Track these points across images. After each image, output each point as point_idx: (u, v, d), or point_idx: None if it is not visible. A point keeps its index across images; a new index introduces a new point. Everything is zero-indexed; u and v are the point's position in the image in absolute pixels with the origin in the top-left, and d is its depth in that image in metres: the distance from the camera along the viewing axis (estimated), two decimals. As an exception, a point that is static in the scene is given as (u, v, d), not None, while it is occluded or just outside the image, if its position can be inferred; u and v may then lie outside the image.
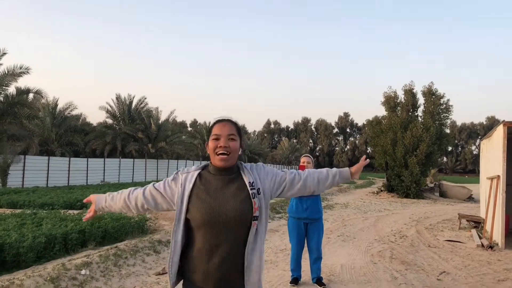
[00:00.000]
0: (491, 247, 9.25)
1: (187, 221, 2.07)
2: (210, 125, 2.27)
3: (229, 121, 2.18)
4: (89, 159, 32.71)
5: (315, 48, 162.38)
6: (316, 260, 5.82)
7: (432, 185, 26.91)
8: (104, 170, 33.20)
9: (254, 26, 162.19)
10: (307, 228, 5.80)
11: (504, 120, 9.57)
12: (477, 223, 12.32)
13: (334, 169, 2.33)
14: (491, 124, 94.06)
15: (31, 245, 6.32)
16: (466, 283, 6.42)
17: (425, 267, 7.36)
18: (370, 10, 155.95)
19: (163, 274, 6.22)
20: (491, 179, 10.96)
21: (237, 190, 2.07)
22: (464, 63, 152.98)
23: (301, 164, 5.80)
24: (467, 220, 12.71)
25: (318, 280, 5.78)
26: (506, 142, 9.58)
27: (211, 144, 2.13)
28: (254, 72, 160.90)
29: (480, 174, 14.07)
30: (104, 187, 23.42)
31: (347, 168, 2.31)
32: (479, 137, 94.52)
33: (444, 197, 24.96)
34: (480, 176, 14.16)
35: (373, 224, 12.61)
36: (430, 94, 25.92)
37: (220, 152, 2.08)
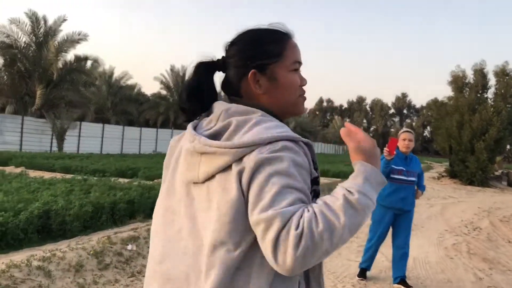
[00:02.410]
0: None
1: None
2: (271, 39, 1.23)
3: None
4: (142, 128, 33.09)
5: (372, 24, 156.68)
6: (402, 256, 4.92)
7: (498, 173, 24.98)
8: (156, 140, 33.53)
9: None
10: (395, 219, 4.95)
11: None
12: (561, 219, 11.00)
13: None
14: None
15: (77, 214, 5.92)
16: None
17: (512, 267, 6.39)
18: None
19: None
20: None
21: None
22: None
23: (400, 139, 4.87)
24: (548, 215, 11.39)
25: (402, 280, 4.89)
26: None
27: (294, 77, 1.23)
28: (308, 46, 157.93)
29: None
30: (156, 157, 23.45)
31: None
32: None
33: (512, 187, 23.13)
34: None
35: (440, 212, 11.55)
36: (504, 74, 23.81)
37: (303, 93, 1.27)
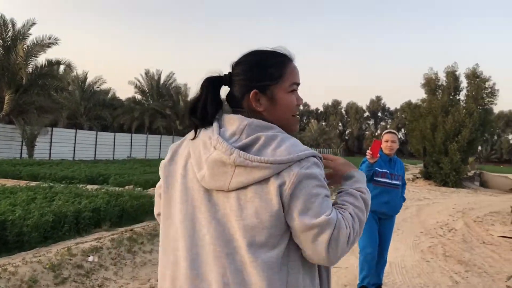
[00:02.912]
0: (556, 247, 8.07)
1: None
2: (273, 62, 1.36)
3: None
4: (116, 133, 32.42)
5: (346, 28, 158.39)
6: (381, 264, 4.72)
7: (471, 174, 25.32)
8: (131, 145, 32.92)
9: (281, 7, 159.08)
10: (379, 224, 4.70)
11: None
12: (533, 218, 11.08)
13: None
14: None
15: (36, 224, 5.55)
16: (542, 293, 5.37)
17: (487, 269, 6.30)
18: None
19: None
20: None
21: None
22: (505, 48, 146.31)
23: (383, 140, 4.63)
24: (521, 214, 11.46)
25: (378, 287, 4.70)
26: None
27: (291, 98, 1.37)
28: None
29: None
30: (130, 163, 22.94)
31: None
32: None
33: (484, 187, 23.42)
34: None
35: (415, 214, 11.51)
36: (475, 77, 24.17)
37: (297, 112, 1.42)
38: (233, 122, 1.28)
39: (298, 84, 1.37)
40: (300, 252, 1.23)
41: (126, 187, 10.96)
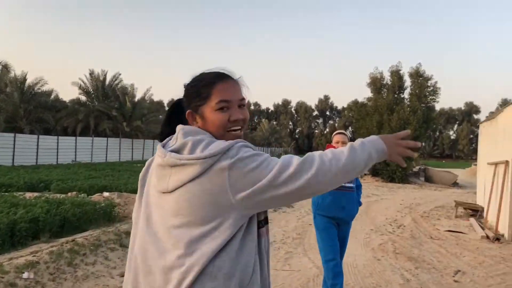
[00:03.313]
0: (497, 239, 8.39)
1: None
2: (203, 83, 1.47)
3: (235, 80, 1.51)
4: (59, 137, 30.98)
5: (295, 29, 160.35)
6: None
7: (416, 169, 26.23)
8: (75, 149, 31.58)
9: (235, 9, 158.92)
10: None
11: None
12: (475, 211, 11.54)
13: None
14: (469, 109, 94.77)
15: (-36, 239, 5.08)
16: (488, 286, 5.51)
17: (436, 264, 6.42)
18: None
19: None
20: (495, 164, 10.10)
21: None
22: (445, 48, 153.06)
23: (334, 142, 4.45)
24: (464, 208, 11.91)
25: None
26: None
27: (217, 116, 1.43)
28: (235, 53, 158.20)
29: (478, 159, 13.29)
30: (75, 167, 21.99)
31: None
32: (457, 122, 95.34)
33: (429, 182, 24.32)
34: (478, 161, 13.39)
35: (364, 211, 11.67)
36: (418, 76, 25.07)
37: (235, 127, 1.45)
38: (176, 132, 1.44)
39: (227, 101, 1.41)
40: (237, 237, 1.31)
41: (69, 194, 10.40)
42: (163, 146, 1.42)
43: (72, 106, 38.98)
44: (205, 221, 1.26)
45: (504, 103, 71.82)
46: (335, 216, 4.29)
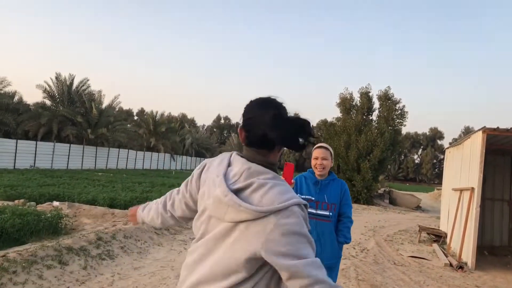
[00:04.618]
0: (461, 267, 8.20)
1: None
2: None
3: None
4: (18, 140, 29.66)
5: (266, 46, 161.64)
6: None
7: (381, 191, 26.32)
8: (35, 153, 30.31)
9: (202, 14, 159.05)
10: None
11: (484, 126, 8.55)
12: (438, 237, 11.42)
13: None
14: (434, 135, 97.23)
15: None
16: (452, 319, 5.23)
17: (399, 293, 6.12)
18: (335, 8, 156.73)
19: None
20: (460, 190, 10.01)
21: None
22: (411, 73, 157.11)
23: (312, 158, 3.64)
24: (427, 233, 11.78)
25: None
26: (484, 151, 8.59)
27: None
28: (207, 67, 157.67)
29: (443, 184, 13.23)
30: (31, 173, 20.97)
31: None
32: (421, 146, 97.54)
33: (393, 204, 24.39)
34: (443, 186, 13.33)
35: (328, 232, 11.38)
36: (386, 98, 25.28)
37: None
38: (238, 164, 1.59)
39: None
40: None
41: (16, 201, 9.69)
42: (224, 175, 1.55)
43: (36, 109, 37.55)
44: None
45: (467, 131, 74.03)
46: None
